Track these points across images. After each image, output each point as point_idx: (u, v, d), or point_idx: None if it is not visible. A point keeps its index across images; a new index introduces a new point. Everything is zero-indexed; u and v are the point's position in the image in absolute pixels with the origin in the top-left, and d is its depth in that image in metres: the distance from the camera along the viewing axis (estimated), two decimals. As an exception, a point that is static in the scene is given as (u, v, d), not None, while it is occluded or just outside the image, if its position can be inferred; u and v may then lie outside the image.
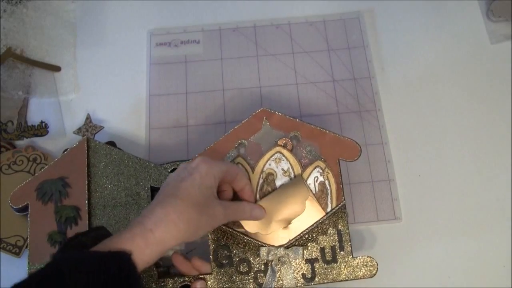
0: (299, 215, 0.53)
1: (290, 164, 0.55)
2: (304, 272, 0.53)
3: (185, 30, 0.73)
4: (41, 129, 0.65)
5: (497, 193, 0.63)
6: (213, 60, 0.71)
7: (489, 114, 0.67)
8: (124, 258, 0.39)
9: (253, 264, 0.53)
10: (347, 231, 0.54)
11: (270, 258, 0.52)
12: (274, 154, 0.56)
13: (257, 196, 0.55)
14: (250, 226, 0.53)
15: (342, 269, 0.53)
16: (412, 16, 0.74)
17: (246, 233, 0.53)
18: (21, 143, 0.66)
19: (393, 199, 0.63)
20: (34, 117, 0.68)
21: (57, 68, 0.70)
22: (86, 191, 0.57)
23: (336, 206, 0.54)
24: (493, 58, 0.70)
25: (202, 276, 0.53)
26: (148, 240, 0.41)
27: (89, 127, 0.62)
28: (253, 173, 0.55)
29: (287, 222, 0.53)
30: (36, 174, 0.58)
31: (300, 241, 0.53)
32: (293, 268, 0.53)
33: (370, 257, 0.53)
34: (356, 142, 0.55)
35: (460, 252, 0.60)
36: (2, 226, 0.60)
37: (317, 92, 0.69)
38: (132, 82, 0.70)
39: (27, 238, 0.57)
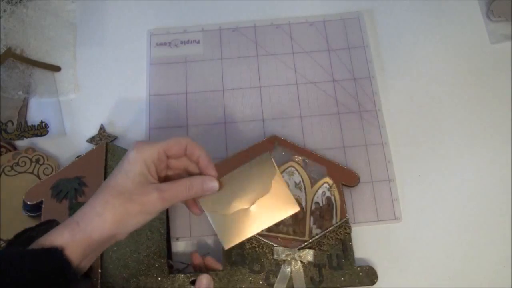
0: (264, 195, 0.49)
1: (302, 178, 0.61)
2: (313, 275, 0.56)
3: (185, 30, 0.73)
4: (41, 129, 0.65)
5: (497, 193, 0.63)
6: (213, 60, 0.71)
7: (489, 114, 0.67)
8: (56, 255, 0.39)
9: (266, 264, 0.56)
10: (350, 242, 0.58)
11: (283, 257, 0.55)
12: (288, 168, 0.61)
13: None
14: (208, 205, 0.48)
15: (346, 277, 0.56)
16: (412, 16, 0.74)
17: (260, 234, 0.56)
18: (21, 143, 0.66)
19: (393, 199, 0.63)
20: (34, 117, 0.68)
21: (57, 68, 0.70)
22: None
23: (341, 220, 0.59)
24: (493, 58, 0.70)
25: (210, 273, 0.54)
26: (74, 232, 0.41)
27: (103, 137, 0.63)
28: None
29: (251, 202, 0.49)
30: (52, 173, 0.59)
31: (310, 246, 0.57)
32: (303, 270, 0.56)
33: (371, 267, 0.57)
34: (355, 173, 0.62)
35: (460, 252, 0.60)
36: (9, 226, 0.59)
37: (317, 92, 0.69)
38: (132, 82, 0.70)
39: None
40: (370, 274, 0.56)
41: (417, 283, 0.59)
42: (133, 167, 0.43)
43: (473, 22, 0.73)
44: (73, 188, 0.57)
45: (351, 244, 0.58)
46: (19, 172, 0.63)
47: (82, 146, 0.66)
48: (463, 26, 0.73)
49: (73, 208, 0.57)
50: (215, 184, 0.47)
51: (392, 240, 0.61)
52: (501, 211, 0.62)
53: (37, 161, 0.63)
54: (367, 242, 0.60)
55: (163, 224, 0.57)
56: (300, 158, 0.61)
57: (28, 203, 0.57)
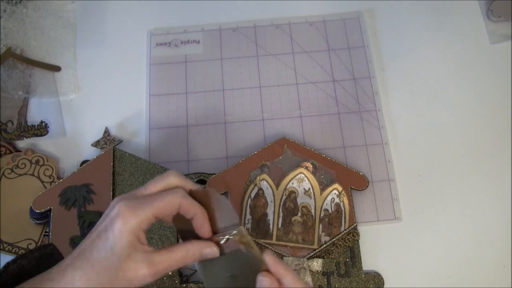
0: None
1: (311, 185, 0.61)
2: (321, 283, 0.57)
3: (185, 30, 0.73)
4: (41, 129, 0.65)
5: (497, 193, 0.63)
6: (213, 60, 0.71)
7: (489, 113, 0.67)
8: None
9: None
10: (359, 249, 0.59)
11: (293, 267, 0.56)
12: (297, 175, 0.61)
13: (280, 211, 0.59)
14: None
15: (354, 284, 0.57)
16: (412, 16, 0.74)
17: (270, 243, 0.57)
18: (21, 143, 0.66)
19: (393, 199, 0.63)
20: (34, 117, 0.68)
21: (57, 68, 0.70)
22: (111, 198, 0.57)
23: (349, 227, 0.59)
24: (493, 58, 0.70)
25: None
26: None
27: (108, 140, 0.63)
28: (277, 189, 0.60)
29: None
30: (60, 180, 0.59)
31: (319, 254, 0.58)
32: (311, 279, 0.56)
33: (378, 273, 0.58)
34: (364, 176, 0.62)
35: (460, 252, 0.60)
36: (12, 230, 0.59)
37: (317, 92, 0.69)
38: (132, 82, 0.70)
39: (38, 241, 0.58)
40: (378, 281, 0.57)
41: (417, 283, 0.59)
42: (119, 241, 0.37)
43: (473, 22, 0.73)
44: (81, 196, 0.57)
45: (359, 251, 0.58)
46: (20, 175, 0.62)
47: (83, 147, 0.66)
48: (463, 26, 0.73)
49: (83, 216, 0.57)
50: (214, 250, 0.41)
51: (392, 240, 0.61)
52: (501, 211, 0.62)
53: (37, 162, 0.63)
54: (367, 243, 0.60)
55: (173, 233, 0.57)
56: (310, 162, 0.61)
57: (37, 211, 0.57)
